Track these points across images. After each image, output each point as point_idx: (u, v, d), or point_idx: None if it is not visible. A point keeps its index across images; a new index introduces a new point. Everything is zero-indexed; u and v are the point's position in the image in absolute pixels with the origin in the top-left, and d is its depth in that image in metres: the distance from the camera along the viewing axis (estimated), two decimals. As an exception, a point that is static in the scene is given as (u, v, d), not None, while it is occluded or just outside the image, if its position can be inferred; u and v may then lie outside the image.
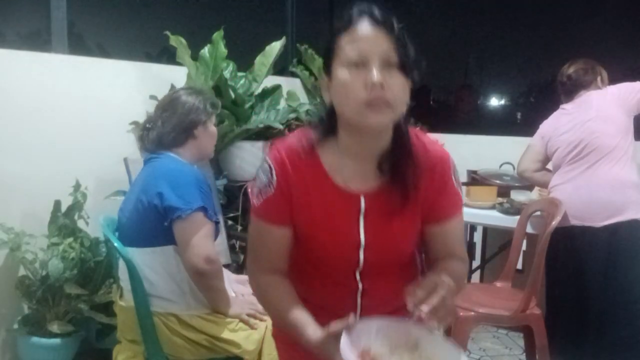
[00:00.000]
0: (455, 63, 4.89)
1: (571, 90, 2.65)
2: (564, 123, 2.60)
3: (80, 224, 2.55)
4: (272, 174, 1.13)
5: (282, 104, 3.39)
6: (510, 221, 2.76)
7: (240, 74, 3.18)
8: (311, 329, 1.09)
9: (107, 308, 2.30)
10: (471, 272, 3.40)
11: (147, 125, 1.97)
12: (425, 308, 0.95)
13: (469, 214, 2.83)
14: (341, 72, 1.04)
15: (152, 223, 1.78)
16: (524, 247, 2.84)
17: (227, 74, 3.04)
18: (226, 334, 1.82)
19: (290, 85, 3.70)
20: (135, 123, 2.85)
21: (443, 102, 5.17)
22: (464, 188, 3.46)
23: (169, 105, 1.96)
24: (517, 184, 3.08)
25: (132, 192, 1.92)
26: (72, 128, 2.67)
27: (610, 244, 2.40)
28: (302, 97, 3.75)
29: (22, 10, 3.05)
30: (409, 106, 1.09)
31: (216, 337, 1.82)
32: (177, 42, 2.82)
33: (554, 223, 2.29)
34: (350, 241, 1.16)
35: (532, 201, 2.80)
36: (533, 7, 4.06)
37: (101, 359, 2.27)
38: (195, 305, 1.83)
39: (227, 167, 3.13)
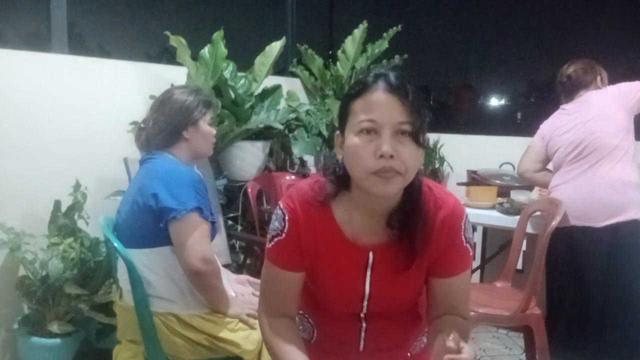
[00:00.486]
0: (455, 63, 4.89)
1: (571, 90, 2.65)
2: (564, 123, 2.60)
3: (80, 224, 2.55)
4: (284, 221, 1.16)
5: (282, 104, 3.40)
6: (510, 221, 2.76)
7: (240, 74, 3.18)
8: None
9: (107, 308, 2.30)
10: (471, 272, 3.40)
11: (142, 126, 1.97)
12: None
13: (469, 214, 2.82)
14: (352, 138, 1.04)
15: (148, 224, 1.78)
16: (524, 247, 2.84)
17: (227, 74, 3.04)
18: (226, 334, 1.82)
19: (290, 85, 3.70)
20: (135, 123, 2.84)
21: (443, 102, 5.17)
22: (463, 188, 3.46)
23: (159, 105, 1.96)
24: (517, 184, 3.08)
25: (129, 193, 1.92)
26: (72, 128, 2.67)
27: (611, 244, 2.40)
28: (302, 97, 3.76)
29: (22, 10, 3.05)
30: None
31: (216, 337, 1.82)
32: (177, 42, 2.82)
33: (554, 223, 2.29)
34: (355, 292, 1.19)
35: (532, 201, 2.80)
36: (533, 7, 4.06)
37: (101, 359, 2.26)
38: (194, 305, 1.83)
39: (227, 167, 3.14)
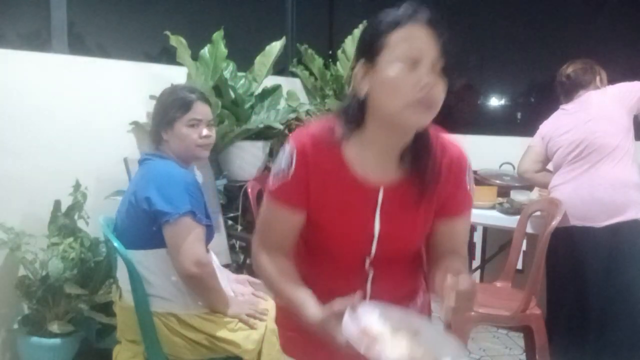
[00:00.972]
0: (455, 63, 4.88)
1: (570, 90, 2.65)
2: (564, 123, 2.60)
3: (80, 224, 2.55)
4: (292, 159, 1.14)
5: (282, 104, 3.40)
6: (510, 221, 2.76)
7: (240, 74, 3.18)
8: (313, 307, 1.09)
9: (107, 308, 2.30)
10: (471, 272, 3.40)
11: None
12: (452, 297, 0.96)
13: (469, 214, 2.83)
14: (390, 69, 1.05)
15: (143, 226, 1.78)
16: (524, 247, 2.84)
17: (227, 74, 3.04)
18: (226, 334, 1.82)
19: (290, 85, 3.70)
20: (135, 123, 2.85)
21: (443, 102, 5.16)
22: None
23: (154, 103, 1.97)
24: (517, 184, 3.08)
25: (127, 194, 1.92)
26: (72, 128, 2.67)
27: (611, 244, 2.40)
28: (302, 97, 3.75)
29: (22, 10, 3.05)
30: None
31: (216, 336, 1.82)
32: (177, 42, 2.82)
33: (554, 223, 2.29)
34: (364, 233, 1.18)
35: (532, 201, 2.80)
36: (533, 7, 4.06)
37: (101, 359, 2.26)
38: (194, 305, 1.83)
39: (227, 167, 3.14)
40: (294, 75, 3.81)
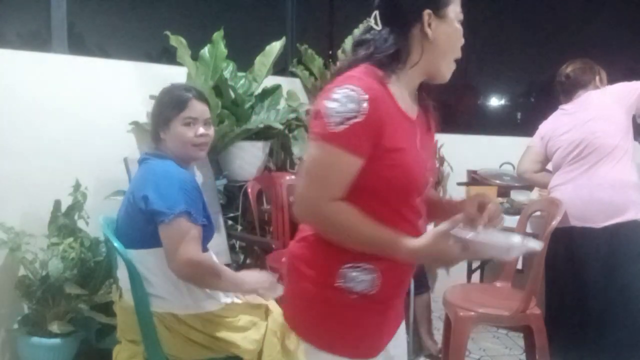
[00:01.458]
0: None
1: (570, 90, 2.65)
2: (564, 123, 2.60)
3: (80, 224, 2.55)
4: (363, 101, 1.12)
5: (282, 103, 3.40)
6: (510, 221, 2.76)
7: (240, 74, 3.18)
8: (410, 238, 1.15)
9: (107, 308, 2.30)
10: (471, 272, 3.40)
11: None
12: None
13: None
14: (456, 24, 1.26)
15: (141, 225, 1.77)
16: (524, 247, 2.83)
17: (227, 74, 3.05)
18: (226, 334, 1.82)
19: (290, 85, 3.70)
20: (135, 123, 2.85)
21: (443, 102, 5.15)
22: (463, 188, 3.46)
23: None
24: (517, 184, 3.08)
25: (127, 193, 1.92)
26: (72, 128, 2.67)
27: (611, 244, 2.40)
28: (302, 97, 3.75)
29: (22, 10, 3.05)
30: None
31: (216, 336, 1.82)
32: (177, 42, 2.82)
33: (554, 223, 2.29)
34: (423, 162, 1.26)
35: (532, 201, 2.80)
36: (533, 7, 4.06)
37: (101, 359, 2.27)
38: (194, 304, 1.83)
39: (227, 167, 3.14)
40: (294, 75, 3.81)
